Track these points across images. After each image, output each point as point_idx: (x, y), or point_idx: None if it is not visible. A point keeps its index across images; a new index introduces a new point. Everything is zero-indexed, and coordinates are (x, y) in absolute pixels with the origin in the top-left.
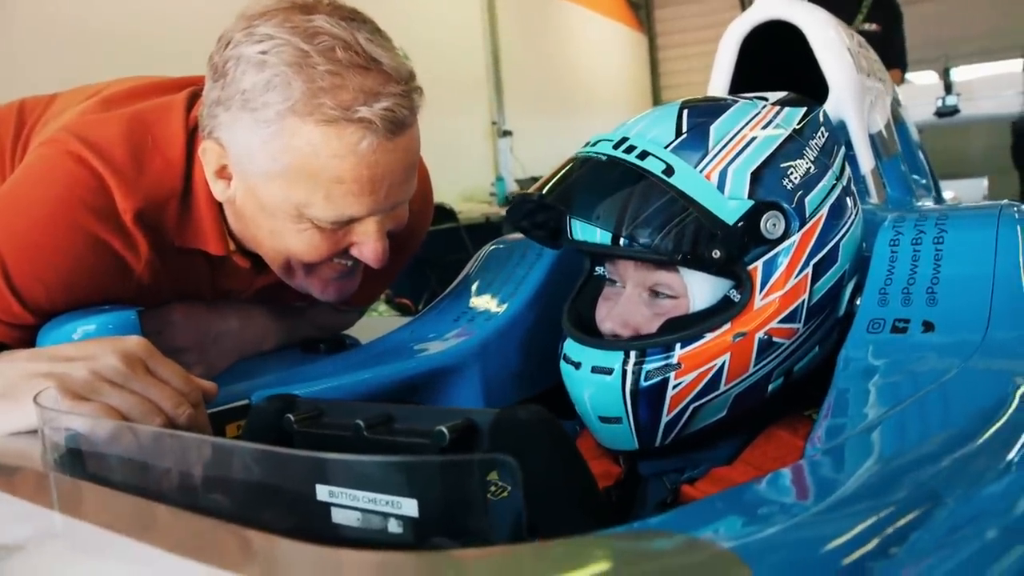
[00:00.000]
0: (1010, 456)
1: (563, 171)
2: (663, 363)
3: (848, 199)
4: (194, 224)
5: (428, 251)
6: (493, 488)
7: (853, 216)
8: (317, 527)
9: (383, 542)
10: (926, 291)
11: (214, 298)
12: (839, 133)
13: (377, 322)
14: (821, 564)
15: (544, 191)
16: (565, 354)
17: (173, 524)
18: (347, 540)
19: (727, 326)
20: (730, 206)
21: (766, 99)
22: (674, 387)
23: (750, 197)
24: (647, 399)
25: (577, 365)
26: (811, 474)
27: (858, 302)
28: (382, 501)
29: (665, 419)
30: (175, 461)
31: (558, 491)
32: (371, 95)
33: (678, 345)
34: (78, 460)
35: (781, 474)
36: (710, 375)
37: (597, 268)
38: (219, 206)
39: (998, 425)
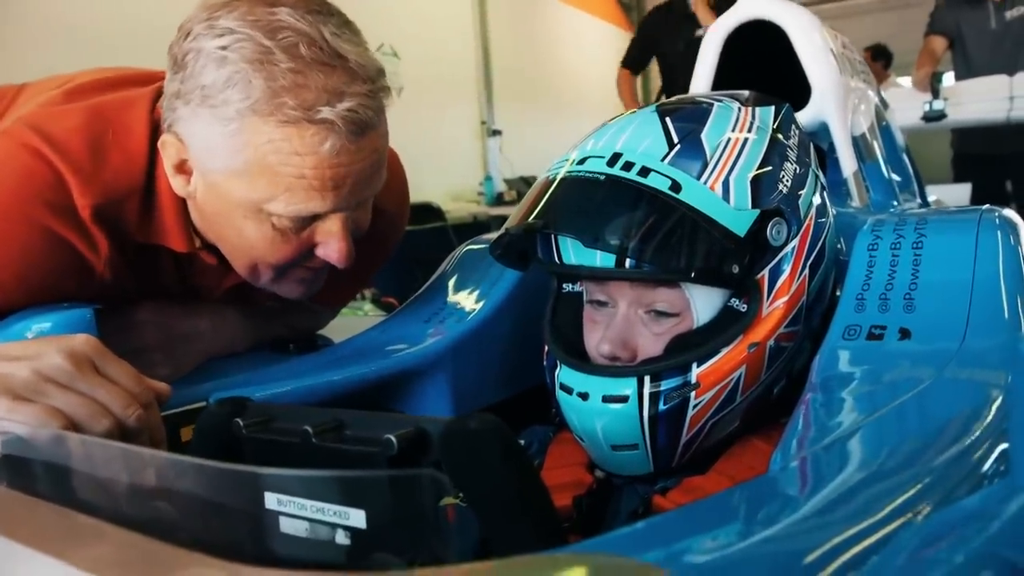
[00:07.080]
0: (983, 469)
1: (551, 194)
2: (681, 384)
3: (825, 194)
4: (157, 220)
5: (415, 250)
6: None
7: (830, 210)
8: (266, 537)
9: (329, 556)
10: (904, 297)
11: (183, 296)
12: (820, 134)
13: (351, 322)
14: None
15: (532, 217)
16: (563, 384)
17: (107, 540)
18: (295, 552)
19: (740, 338)
20: (739, 217)
21: (734, 99)
22: (694, 407)
23: (753, 206)
24: (667, 422)
25: (584, 396)
26: (773, 489)
27: (839, 293)
28: (330, 511)
29: (684, 439)
30: (119, 471)
31: (508, 503)
32: (334, 95)
33: (694, 364)
34: (15, 468)
35: (743, 488)
36: (728, 390)
37: (565, 286)
38: (183, 202)
39: (972, 438)
